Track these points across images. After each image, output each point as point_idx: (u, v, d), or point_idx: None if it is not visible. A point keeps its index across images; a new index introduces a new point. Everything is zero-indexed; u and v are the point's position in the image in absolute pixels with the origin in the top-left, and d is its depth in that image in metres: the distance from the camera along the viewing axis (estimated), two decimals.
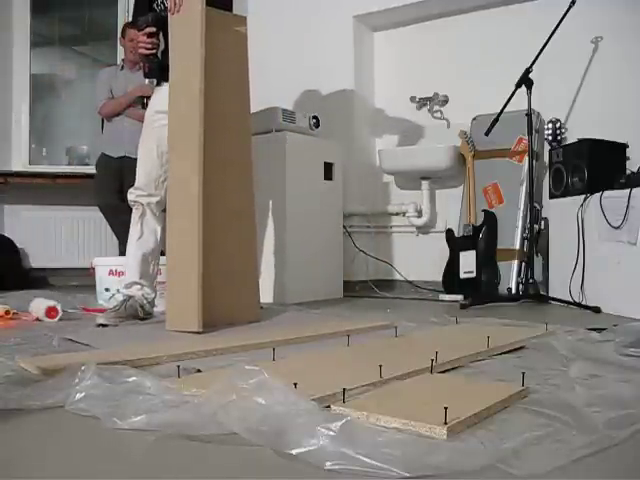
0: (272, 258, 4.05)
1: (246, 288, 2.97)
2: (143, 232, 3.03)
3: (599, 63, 4.28)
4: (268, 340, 2.24)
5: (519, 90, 3.73)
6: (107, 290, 3.65)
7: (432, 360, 1.70)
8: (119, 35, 5.12)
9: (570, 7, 3.90)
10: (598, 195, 3.39)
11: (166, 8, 2.86)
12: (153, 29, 2.95)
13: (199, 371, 1.75)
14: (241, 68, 2.99)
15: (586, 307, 3.39)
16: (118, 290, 3.31)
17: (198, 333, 2.57)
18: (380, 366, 1.57)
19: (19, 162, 5.86)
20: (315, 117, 4.45)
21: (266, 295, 3.77)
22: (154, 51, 2.99)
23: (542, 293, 3.87)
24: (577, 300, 3.50)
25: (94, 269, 3.78)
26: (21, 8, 5.87)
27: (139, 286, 3.01)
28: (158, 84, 3.09)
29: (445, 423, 1.16)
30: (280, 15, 5.32)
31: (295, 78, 5.07)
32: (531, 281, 3.76)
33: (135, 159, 3.14)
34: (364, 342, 2.27)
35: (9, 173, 5.59)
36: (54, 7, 6.18)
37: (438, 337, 2.45)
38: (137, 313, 2.97)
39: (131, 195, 3.06)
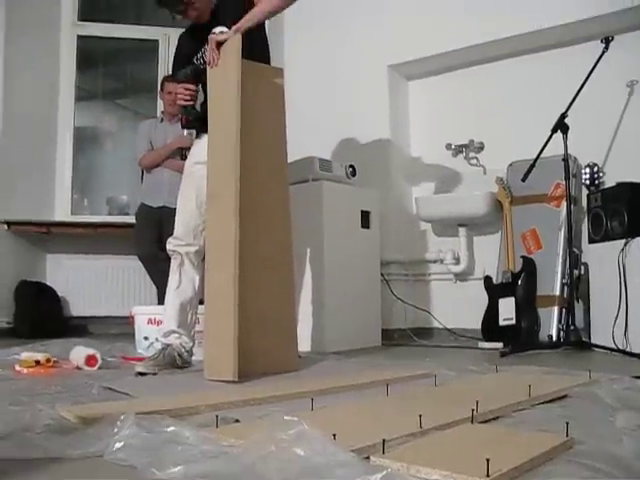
0: (310, 307, 4.04)
1: (284, 337, 2.96)
2: (181, 281, 3.06)
3: (635, 106, 4.27)
4: (306, 390, 2.22)
5: (555, 135, 3.73)
6: (146, 339, 3.68)
7: (473, 410, 1.67)
8: (159, 89, 5.26)
9: (604, 52, 3.92)
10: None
11: (206, 62, 2.93)
12: (192, 86, 3.03)
13: (237, 421, 1.74)
14: (278, 119, 3.03)
15: (631, 354, 3.31)
16: (157, 339, 3.33)
17: (235, 382, 2.56)
18: (420, 416, 1.55)
19: (62, 212, 5.99)
20: (351, 166, 4.49)
21: (304, 344, 3.75)
22: (192, 103, 3.06)
23: (584, 340, 3.78)
24: (621, 347, 3.42)
25: (133, 318, 3.81)
26: (68, 64, 6.09)
27: (177, 335, 3.02)
28: (197, 136, 3.15)
29: (487, 475, 1.13)
30: (316, 66, 5.42)
31: (331, 127, 5.14)
32: (572, 327, 3.69)
33: (174, 209, 3.18)
34: (403, 391, 2.24)
35: (52, 223, 5.72)
36: (98, 63, 6.41)
37: (478, 386, 2.41)
38: (175, 362, 2.97)
39: (170, 245, 3.10)
